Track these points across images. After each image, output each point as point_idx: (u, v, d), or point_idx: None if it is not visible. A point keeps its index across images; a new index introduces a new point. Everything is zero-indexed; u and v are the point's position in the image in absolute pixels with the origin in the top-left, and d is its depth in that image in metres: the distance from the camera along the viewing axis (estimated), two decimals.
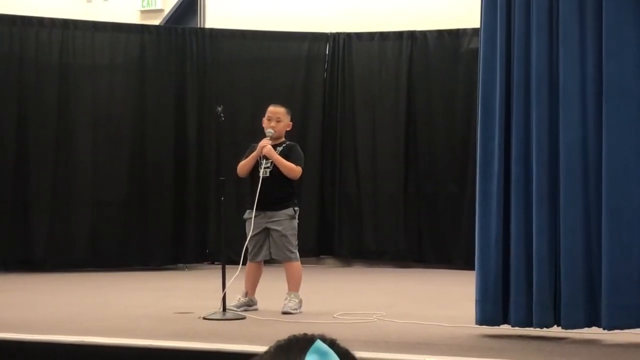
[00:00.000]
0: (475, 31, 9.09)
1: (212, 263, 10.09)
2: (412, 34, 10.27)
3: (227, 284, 6.17)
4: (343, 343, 1.63)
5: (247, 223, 6.50)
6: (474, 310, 5.36)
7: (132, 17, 11.02)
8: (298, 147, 6.64)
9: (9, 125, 9.48)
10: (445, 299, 7.59)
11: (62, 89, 9.67)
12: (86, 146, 9.73)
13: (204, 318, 6.05)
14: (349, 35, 10.44)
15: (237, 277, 6.23)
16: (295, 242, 6.53)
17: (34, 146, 9.55)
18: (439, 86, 10.17)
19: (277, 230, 6.46)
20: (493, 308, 5.27)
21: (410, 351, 4.96)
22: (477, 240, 5.37)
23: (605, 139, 5.07)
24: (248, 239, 6.45)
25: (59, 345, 5.23)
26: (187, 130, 10.04)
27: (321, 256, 10.48)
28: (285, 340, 1.61)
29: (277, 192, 6.48)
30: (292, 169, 6.49)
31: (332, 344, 1.60)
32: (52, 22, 9.73)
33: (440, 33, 10.19)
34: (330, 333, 1.64)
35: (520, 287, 5.20)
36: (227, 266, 6.25)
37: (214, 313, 6.10)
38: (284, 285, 6.54)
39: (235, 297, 6.47)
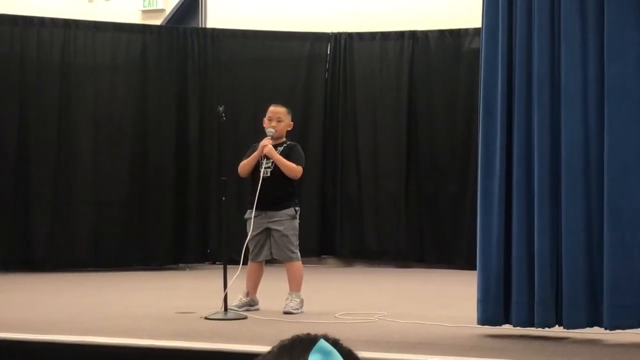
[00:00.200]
0: (476, 31, 9.08)
1: (213, 263, 10.09)
2: (413, 34, 10.27)
3: (229, 284, 6.17)
4: (345, 343, 1.63)
5: (247, 223, 6.51)
6: (475, 310, 5.36)
7: (133, 17, 11.03)
8: (299, 147, 6.64)
9: (10, 125, 9.48)
10: (447, 299, 7.59)
11: (63, 89, 9.67)
12: (87, 146, 9.73)
13: (206, 318, 6.05)
14: (350, 35, 10.44)
15: (238, 277, 6.23)
16: (296, 242, 6.53)
17: (35, 146, 9.55)
18: (440, 86, 10.17)
19: (278, 230, 6.47)
20: (495, 308, 5.27)
21: (411, 351, 4.96)
22: (478, 240, 5.37)
23: (607, 139, 5.07)
24: (248, 239, 6.45)
25: (60, 345, 5.23)
26: (188, 130, 10.05)
27: (322, 256, 10.48)
28: (288, 340, 1.61)
29: (278, 192, 6.48)
30: (293, 169, 6.49)
31: (335, 343, 1.60)
32: (54, 22, 9.73)
33: (441, 33, 10.19)
34: (332, 333, 1.64)
35: (522, 287, 5.20)
36: (228, 266, 6.26)
37: (215, 313, 6.11)
38: (285, 285, 6.54)
39: (236, 297, 6.47)
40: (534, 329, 5.25)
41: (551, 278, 5.15)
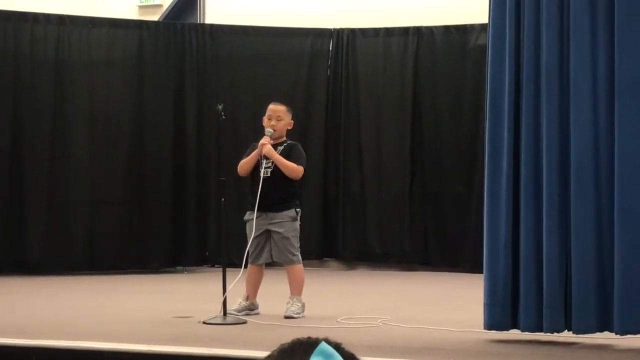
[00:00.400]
0: (483, 27, 9.08)
1: (212, 266, 10.09)
2: (418, 30, 10.26)
3: (228, 288, 6.16)
4: (348, 347, 1.62)
5: (247, 225, 6.50)
6: (482, 315, 5.35)
7: (129, 12, 11.02)
8: (299, 147, 6.63)
9: (4, 123, 9.47)
10: (452, 302, 7.59)
11: (57, 86, 9.67)
12: (82, 145, 9.73)
13: (204, 322, 6.05)
14: (353, 31, 10.43)
15: (238, 280, 6.23)
16: (297, 244, 6.53)
17: (29, 144, 9.55)
18: (445, 83, 10.16)
19: (278, 233, 6.46)
20: (502, 312, 5.26)
21: (416, 356, 4.96)
22: (485, 242, 5.36)
23: (618, 137, 5.06)
24: (249, 242, 6.44)
25: (55, 350, 5.23)
26: (186, 129, 10.04)
27: (324, 259, 10.47)
28: (289, 343, 1.61)
29: (278, 192, 6.47)
30: (294, 169, 6.48)
31: (337, 347, 1.60)
32: (48, 17, 9.73)
33: (447, 29, 10.19)
34: (334, 338, 1.63)
35: (530, 291, 5.20)
36: (227, 269, 6.25)
37: (214, 317, 6.10)
38: (286, 289, 6.54)
39: (236, 300, 6.47)
40: (542, 333, 5.24)
41: (560, 281, 5.14)
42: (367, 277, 9.80)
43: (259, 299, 6.61)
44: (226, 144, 9.11)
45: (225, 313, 6.13)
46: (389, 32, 10.36)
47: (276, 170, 6.47)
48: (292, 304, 6.40)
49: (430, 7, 10.35)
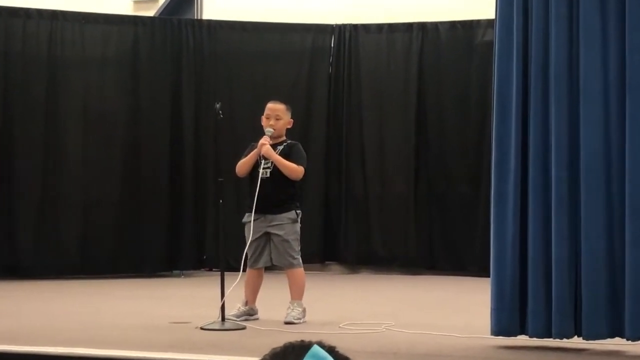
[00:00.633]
0: (490, 22, 9.08)
1: (210, 269, 10.09)
2: (422, 26, 10.27)
3: (226, 292, 6.17)
4: (349, 353, 1.63)
5: (246, 227, 6.50)
6: (488, 320, 5.35)
7: (124, 8, 11.03)
8: (300, 146, 6.64)
9: None
10: (458, 307, 7.59)
11: (50, 84, 9.68)
12: (76, 145, 9.73)
13: (202, 328, 6.06)
14: (355, 27, 10.44)
15: (236, 284, 6.23)
16: (297, 247, 6.53)
17: (20, 145, 9.55)
18: (451, 81, 10.16)
19: (278, 235, 6.46)
20: (509, 317, 5.26)
21: None
22: (492, 245, 5.36)
23: (629, 136, 5.07)
24: (248, 244, 6.44)
25: (47, 357, 5.23)
26: (183, 129, 10.05)
27: (326, 262, 10.48)
28: (281, 347, 1.62)
29: (278, 193, 6.48)
30: (294, 169, 6.49)
31: (330, 350, 1.60)
32: (40, 13, 9.74)
33: (452, 24, 10.19)
34: (336, 344, 1.64)
35: (539, 295, 5.20)
36: (226, 273, 6.26)
37: (212, 323, 6.11)
38: (286, 294, 6.54)
39: (234, 305, 6.47)
40: (551, 339, 5.24)
41: (570, 285, 5.14)
42: (371, 281, 9.81)
43: (258, 304, 6.61)
44: (224, 144, 9.08)
45: (223, 318, 6.14)
46: (392, 28, 10.36)
47: (276, 171, 6.47)
48: (293, 309, 6.40)
49: (435, 2, 10.36)
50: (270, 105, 6.66)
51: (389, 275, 10.07)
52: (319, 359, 1.57)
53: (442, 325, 6.20)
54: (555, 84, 5.20)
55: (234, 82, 10.24)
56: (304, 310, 6.44)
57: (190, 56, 10.14)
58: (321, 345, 1.60)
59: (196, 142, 10.06)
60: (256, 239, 6.47)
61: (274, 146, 6.51)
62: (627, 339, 5.09)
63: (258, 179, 6.40)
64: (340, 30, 10.45)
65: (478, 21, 9.98)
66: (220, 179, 6.42)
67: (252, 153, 6.52)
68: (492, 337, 5.37)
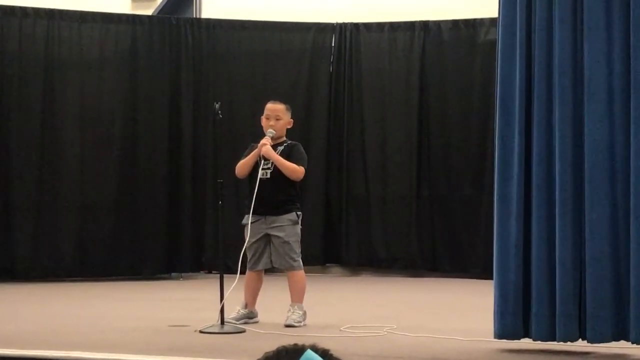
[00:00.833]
0: (492, 21, 9.08)
1: (209, 272, 10.09)
2: (424, 25, 10.27)
3: (225, 295, 6.17)
4: (349, 357, 1.63)
5: (245, 229, 6.50)
6: (492, 323, 5.35)
7: (122, 6, 11.03)
8: (300, 147, 6.64)
9: None
10: (461, 310, 7.59)
11: (47, 84, 9.68)
12: (73, 146, 9.74)
13: (201, 331, 6.06)
14: (356, 26, 10.44)
15: (235, 287, 6.23)
16: (298, 249, 6.53)
17: (16, 145, 9.55)
18: (453, 81, 10.17)
19: (278, 237, 6.46)
20: (513, 320, 5.26)
21: None
22: (495, 247, 5.36)
23: (634, 136, 5.07)
24: (246, 246, 6.44)
25: None
26: (182, 129, 10.05)
27: (327, 264, 10.48)
28: (273, 351, 1.62)
29: (278, 195, 6.47)
30: (294, 170, 6.49)
31: (324, 354, 1.60)
32: (37, 12, 9.74)
33: (455, 23, 10.20)
34: (337, 347, 1.64)
35: (542, 298, 5.20)
36: (225, 275, 6.25)
37: (211, 326, 6.11)
38: (286, 296, 6.54)
39: (234, 308, 6.47)
40: (555, 343, 5.24)
41: (574, 288, 5.14)
42: (372, 283, 9.80)
43: (258, 307, 6.61)
44: (223, 144, 9.10)
45: (222, 322, 6.14)
46: (394, 27, 10.37)
47: (276, 172, 6.47)
48: (293, 312, 6.40)
49: (438, 1, 10.36)
50: (270, 106, 6.66)
51: (391, 278, 10.07)
52: None
53: (444, 328, 6.20)
54: (559, 83, 5.20)
55: (234, 82, 10.24)
56: (304, 314, 6.44)
57: (189, 55, 10.15)
58: (315, 348, 1.60)
59: (195, 142, 10.06)
60: (256, 240, 6.47)
61: (274, 146, 6.51)
62: (632, 342, 5.09)
63: (258, 180, 6.40)
64: (341, 29, 10.45)
65: (481, 20, 9.98)
66: (219, 180, 6.42)
67: (252, 154, 6.52)
68: (496, 340, 5.36)
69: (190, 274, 10.12)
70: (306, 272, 6.66)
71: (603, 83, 5.15)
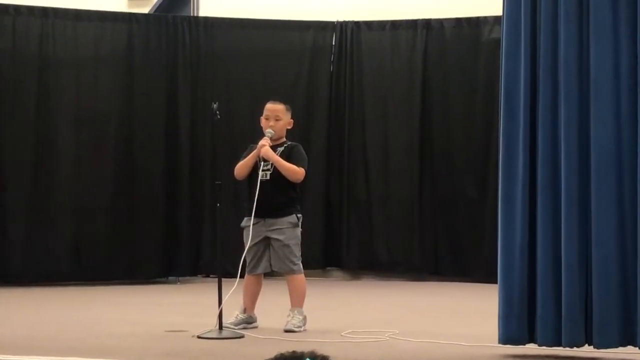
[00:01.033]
0: (497, 19, 9.09)
1: (207, 276, 10.09)
2: (427, 23, 10.27)
3: (224, 299, 6.16)
4: None
5: (244, 232, 6.50)
6: (496, 328, 5.35)
7: (118, 4, 11.02)
8: (300, 148, 6.63)
9: None
10: (465, 315, 7.59)
11: (41, 84, 9.67)
12: (68, 147, 9.73)
13: (199, 337, 6.05)
14: (357, 24, 10.44)
15: (234, 291, 6.23)
16: (298, 252, 6.53)
17: (9, 147, 9.55)
18: (457, 80, 10.16)
19: (278, 240, 6.46)
20: (518, 325, 5.26)
21: None
22: (499, 250, 5.36)
23: None
24: (246, 250, 6.44)
25: None
26: (179, 130, 10.05)
27: (327, 268, 10.48)
28: (272, 358, 1.62)
29: (278, 197, 6.47)
30: (295, 171, 6.48)
31: None
32: (30, 10, 9.74)
33: (458, 21, 10.20)
34: (338, 353, 1.64)
35: (548, 302, 5.19)
36: (223, 279, 6.25)
37: (209, 331, 6.10)
38: (286, 301, 6.54)
39: (232, 313, 6.47)
40: (561, 348, 5.23)
41: (580, 292, 5.14)
42: (373, 287, 9.80)
43: (257, 312, 6.60)
44: (222, 145, 9.11)
45: (221, 327, 6.13)
46: (396, 25, 10.37)
47: (276, 173, 6.47)
48: (293, 317, 6.40)
49: None
50: (269, 106, 6.66)
51: (392, 282, 10.06)
52: None
53: (447, 333, 6.19)
54: (565, 82, 5.20)
55: (232, 82, 10.24)
56: (304, 318, 6.44)
57: (186, 54, 10.14)
58: (314, 355, 1.60)
59: (192, 143, 10.05)
60: (255, 243, 6.47)
61: (273, 148, 6.51)
62: None
63: (257, 182, 6.39)
64: (342, 28, 10.45)
65: (484, 18, 9.98)
66: (217, 182, 6.42)
67: (251, 155, 6.52)
68: (500, 345, 5.36)
69: (187, 277, 10.11)
70: (306, 275, 6.65)
71: (609, 82, 5.14)
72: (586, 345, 5.21)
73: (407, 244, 10.18)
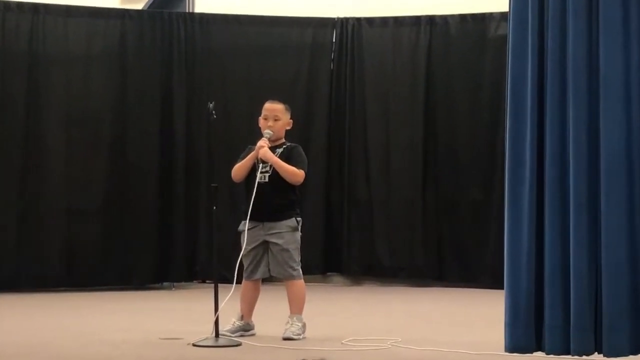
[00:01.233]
0: (503, 15, 9.08)
1: (203, 282, 10.10)
2: (431, 19, 10.27)
3: (220, 306, 6.16)
4: None
5: (242, 236, 6.50)
6: (502, 336, 5.34)
7: (111, 0, 11.04)
8: (300, 149, 6.63)
9: None
10: (470, 322, 7.59)
11: (31, 82, 9.67)
12: (59, 147, 9.73)
13: (194, 345, 6.05)
14: (358, 21, 10.44)
15: (231, 297, 6.23)
16: (297, 257, 6.52)
17: None
18: (462, 79, 10.17)
19: (277, 244, 6.46)
20: (525, 333, 5.25)
21: None
22: (506, 255, 5.35)
23: None
24: (242, 254, 6.44)
25: None
26: (174, 130, 10.05)
27: (328, 273, 10.48)
28: None
29: (277, 199, 6.47)
30: (294, 173, 6.48)
31: None
32: (20, 6, 9.74)
33: (463, 17, 10.20)
34: None
35: (556, 309, 5.19)
36: (220, 285, 6.25)
37: (205, 339, 6.10)
38: (285, 307, 6.53)
39: (229, 320, 6.47)
40: (569, 356, 5.23)
41: (589, 298, 5.13)
42: (375, 293, 9.80)
43: (254, 319, 6.60)
44: (218, 146, 9.12)
45: (217, 334, 6.13)
46: (398, 21, 10.37)
47: (275, 175, 6.47)
48: (292, 324, 6.40)
49: None
50: (267, 105, 6.66)
51: (395, 287, 10.06)
52: None
53: (452, 341, 6.19)
54: (573, 80, 5.19)
55: (229, 80, 10.24)
56: (304, 326, 6.43)
57: (181, 52, 10.14)
58: None
59: (188, 144, 10.05)
60: (253, 248, 6.47)
61: (272, 149, 6.51)
62: None
63: (255, 184, 6.39)
64: (343, 24, 10.45)
65: (490, 14, 9.98)
66: (214, 184, 6.42)
67: (249, 156, 6.52)
68: (506, 354, 5.35)
69: (183, 283, 10.11)
70: (306, 281, 6.65)
71: (620, 80, 5.14)
72: (595, 353, 5.21)
73: (410, 248, 10.18)
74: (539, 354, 5.32)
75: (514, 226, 5.32)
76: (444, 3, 10.28)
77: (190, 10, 10.82)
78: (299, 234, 6.56)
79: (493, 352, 5.57)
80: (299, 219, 6.55)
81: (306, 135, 9.86)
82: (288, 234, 6.49)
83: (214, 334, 6.12)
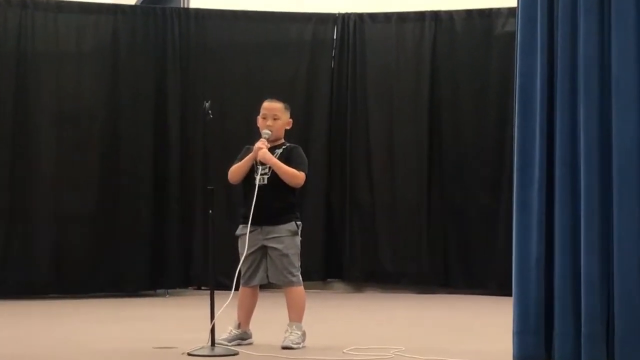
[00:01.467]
0: (511, 11, 9.10)
1: (199, 288, 10.10)
2: (435, 15, 10.29)
3: (216, 314, 6.17)
4: None
5: (240, 240, 6.50)
6: (510, 344, 5.35)
7: None
8: (300, 150, 6.64)
9: None
10: (476, 330, 7.59)
11: (19, 81, 9.68)
12: (48, 148, 9.73)
13: (189, 354, 6.05)
14: (360, 16, 10.46)
15: (228, 304, 6.23)
16: (297, 262, 6.53)
17: None
18: (468, 76, 10.17)
19: (276, 249, 6.46)
20: (534, 341, 5.26)
21: None
22: (514, 260, 5.36)
23: None
24: (242, 260, 6.44)
25: None
26: (168, 130, 10.05)
27: (328, 279, 10.48)
28: None
29: (276, 202, 6.47)
30: (295, 176, 6.48)
31: None
32: (7, 1, 9.74)
33: (469, 13, 10.21)
34: None
35: (566, 316, 5.20)
36: (216, 292, 6.25)
37: (200, 348, 6.11)
38: (284, 315, 6.54)
39: (225, 328, 6.48)
40: None
41: (601, 305, 5.14)
42: (378, 300, 9.81)
43: (252, 327, 6.61)
44: (214, 147, 9.14)
45: (213, 343, 6.13)
46: (402, 17, 10.38)
47: (274, 177, 6.47)
48: (291, 333, 6.40)
49: None
50: (266, 104, 6.67)
51: (398, 294, 10.07)
52: None
53: (457, 350, 6.20)
54: (584, 79, 5.20)
55: (225, 78, 10.25)
56: (303, 334, 6.44)
57: (175, 49, 10.15)
58: None
59: (183, 144, 10.05)
60: (251, 253, 6.47)
61: (271, 150, 6.51)
62: None
63: (254, 186, 6.39)
64: (344, 20, 10.46)
65: (498, 10, 10.00)
66: (210, 187, 6.42)
67: (247, 157, 6.52)
68: None
69: (177, 290, 10.11)
70: (306, 288, 6.65)
71: (632, 78, 5.15)
72: None
73: (414, 253, 10.18)
74: None
75: (523, 231, 5.33)
76: None
77: (185, 6, 10.83)
78: (298, 239, 6.56)
79: None
80: (298, 222, 6.56)
81: (306, 135, 9.87)
82: (288, 239, 6.50)
83: (210, 343, 6.12)
